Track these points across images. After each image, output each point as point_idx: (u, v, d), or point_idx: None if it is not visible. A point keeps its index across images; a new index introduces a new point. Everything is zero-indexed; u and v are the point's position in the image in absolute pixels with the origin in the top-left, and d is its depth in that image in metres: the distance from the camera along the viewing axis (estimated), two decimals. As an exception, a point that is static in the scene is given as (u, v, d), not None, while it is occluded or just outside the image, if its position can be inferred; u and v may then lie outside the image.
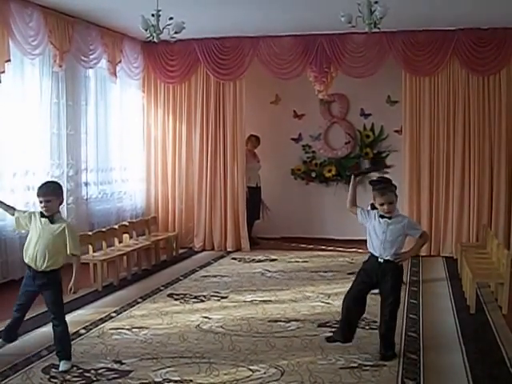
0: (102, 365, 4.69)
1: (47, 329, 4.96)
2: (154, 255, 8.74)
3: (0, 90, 7.16)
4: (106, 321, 5.90)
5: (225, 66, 9.89)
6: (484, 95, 9.15)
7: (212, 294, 7.04)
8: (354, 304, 5.01)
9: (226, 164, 10.02)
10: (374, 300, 5.11)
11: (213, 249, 10.01)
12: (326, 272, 8.25)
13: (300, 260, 9.13)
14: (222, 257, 9.45)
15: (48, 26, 7.73)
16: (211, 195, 10.06)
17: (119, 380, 4.40)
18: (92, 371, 4.55)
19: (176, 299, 6.79)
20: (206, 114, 10.06)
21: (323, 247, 10.22)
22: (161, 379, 4.40)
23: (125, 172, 10.03)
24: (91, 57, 8.69)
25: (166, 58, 10.15)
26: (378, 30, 6.59)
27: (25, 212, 4.87)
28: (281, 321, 5.93)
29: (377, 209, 4.90)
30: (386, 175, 8.58)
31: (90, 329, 5.63)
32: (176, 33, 6.93)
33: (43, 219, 4.67)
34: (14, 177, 7.52)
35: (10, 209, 4.92)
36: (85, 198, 8.91)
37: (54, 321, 4.72)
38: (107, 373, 4.53)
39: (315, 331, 5.57)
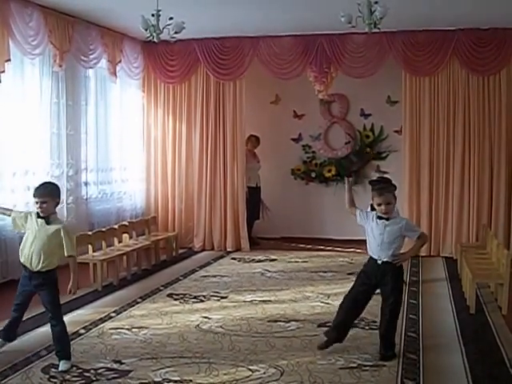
0: (102, 365, 4.69)
1: (47, 328, 4.96)
2: (153, 255, 8.73)
3: (0, 89, 7.17)
4: (105, 321, 5.90)
5: (225, 66, 9.89)
6: (484, 95, 9.15)
7: (212, 294, 7.04)
8: (352, 306, 5.01)
9: (225, 164, 10.02)
10: (374, 300, 5.10)
11: (212, 249, 10.01)
12: (325, 272, 8.25)
13: (300, 260, 9.13)
14: (221, 257, 9.45)
15: (48, 26, 7.73)
16: (211, 195, 10.06)
17: (119, 380, 4.40)
18: (92, 371, 4.55)
19: (176, 299, 6.79)
20: (205, 114, 10.06)
21: (323, 247, 10.23)
22: (160, 379, 4.40)
23: (125, 172, 10.04)
24: (91, 57, 8.70)
25: (166, 58, 10.15)
26: (377, 30, 6.59)
27: (21, 212, 4.90)
28: (280, 321, 5.93)
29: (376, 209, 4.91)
30: (386, 175, 8.59)
31: (90, 329, 5.63)
32: (176, 33, 6.93)
33: (39, 220, 4.68)
34: (14, 177, 7.53)
35: (7, 211, 5.01)
36: (85, 197, 8.92)
37: (52, 321, 4.72)
38: (107, 373, 4.53)
39: (315, 331, 5.57)
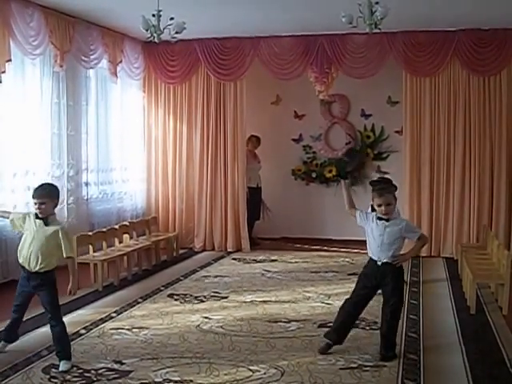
0: (102, 365, 4.69)
1: (47, 329, 4.96)
2: (154, 255, 8.73)
3: (1, 89, 7.17)
4: (106, 321, 5.90)
5: (225, 66, 9.89)
6: (485, 96, 9.15)
7: (212, 294, 7.04)
8: (354, 309, 5.01)
9: (226, 164, 10.02)
10: (374, 300, 5.10)
11: (213, 249, 10.01)
12: (326, 272, 8.25)
13: (300, 260, 9.13)
14: (222, 257, 9.45)
15: (49, 26, 7.73)
16: (212, 195, 10.06)
17: (119, 380, 4.40)
18: (92, 371, 4.56)
19: (176, 299, 6.79)
20: (206, 115, 10.06)
21: (323, 248, 10.22)
22: (161, 379, 4.40)
23: (125, 172, 10.04)
24: (92, 57, 8.70)
25: (167, 59, 10.15)
26: (378, 31, 6.59)
27: (19, 213, 4.93)
28: (281, 321, 5.93)
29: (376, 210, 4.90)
30: (387, 175, 8.59)
31: (91, 329, 5.63)
32: (177, 33, 6.93)
33: (38, 221, 4.69)
34: (15, 177, 7.52)
35: (6, 213, 5.04)
36: (85, 198, 8.92)
37: (52, 321, 4.73)
38: (107, 373, 4.53)
39: (315, 332, 5.57)
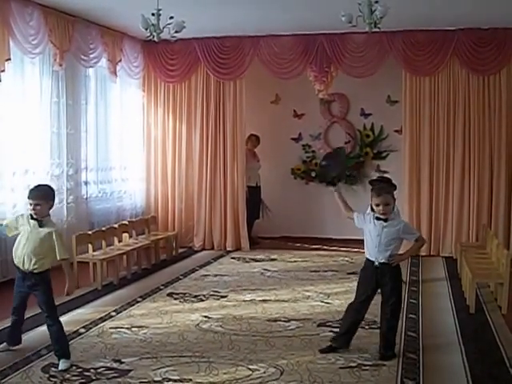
0: (102, 364, 4.69)
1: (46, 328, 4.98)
2: (153, 254, 8.73)
3: (0, 89, 7.16)
4: (105, 320, 5.90)
5: (225, 65, 9.89)
6: (484, 95, 9.15)
7: (212, 293, 7.04)
8: (358, 314, 5.01)
9: (225, 163, 10.02)
10: (374, 300, 5.09)
11: (212, 248, 10.00)
12: (325, 271, 8.25)
13: (300, 259, 9.13)
14: (221, 256, 9.45)
15: (48, 25, 7.73)
16: (211, 194, 10.06)
17: (119, 379, 4.40)
18: (91, 370, 4.56)
19: (176, 298, 6.79)
20: (206, 114, 10.05)
21: (323, 247, 10.22)
22: (160, 378, 4.41)
23: (125, 171, 10.03)
24: (91, 56, 8.69)
25: (166, 58, 10.14)
26: (378, 30, 6.59)
27: (11, 218, 5.02)
28: (280, 320, 5.93)
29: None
30: (386, 175, 8.59)
31: (90, 328, 5.63)
32: (176, 32, 6.93)
33: (32, 221, 4.69)
34: (14, 176, 7.52)
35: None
36: (85, 197, 8.92)
37: (48, 321, 4.74)
38: (107, 372, 4.53)
39: (315, 331, 5.57)
